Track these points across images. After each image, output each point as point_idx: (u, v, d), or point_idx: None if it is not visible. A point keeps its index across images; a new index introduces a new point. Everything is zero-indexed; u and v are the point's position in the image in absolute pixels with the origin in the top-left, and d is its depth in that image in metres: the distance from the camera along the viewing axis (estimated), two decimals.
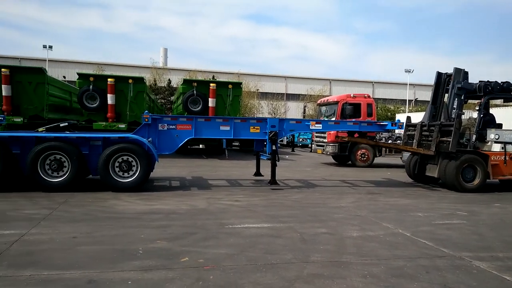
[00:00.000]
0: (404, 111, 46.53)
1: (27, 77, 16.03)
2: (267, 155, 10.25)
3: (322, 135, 18.28)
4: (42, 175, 8.35)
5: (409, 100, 52.42)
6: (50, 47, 44.74)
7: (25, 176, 8.54)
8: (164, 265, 4.25)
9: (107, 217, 6.41)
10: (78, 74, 17.78)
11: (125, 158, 8.75)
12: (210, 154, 21.21)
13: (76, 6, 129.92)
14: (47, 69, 18.61)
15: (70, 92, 20.54)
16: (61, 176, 8.47)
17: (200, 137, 9.83)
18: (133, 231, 5.58)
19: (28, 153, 8.29)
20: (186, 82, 19.64)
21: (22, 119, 15.79)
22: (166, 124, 9.53)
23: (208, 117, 11.35)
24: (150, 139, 9.21)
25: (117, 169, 8.73)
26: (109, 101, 16.98)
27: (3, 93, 15.47)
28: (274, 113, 49.49)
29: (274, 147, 9.98)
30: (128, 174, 8.79)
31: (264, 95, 52.26)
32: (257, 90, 48.92)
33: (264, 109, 50.06)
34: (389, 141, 17.34)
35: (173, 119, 9.79)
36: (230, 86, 19.25)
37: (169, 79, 44.17)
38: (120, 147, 8.70)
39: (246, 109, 42.55)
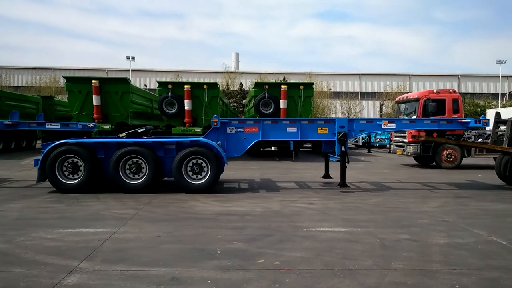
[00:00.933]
0: (496, 106, 42.00)
1: (113, 87, 17.55)
2: (336, 156, 9.93)
3: (402, 134, 17.24)
4: (123, 178, 8.98)
5: (502, 93, 47.57)
6: (133, 58, 48.40)
7: (108, 179, 9.27)
8: (241, 266, 4.31)
9: (187, 217, 6.72)
10: (158, 82, 18.88)
11: (195, 161, 9.08)
12: (282, 156, 21.26)
13: (154, 17, 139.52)
14: (130, 78, 20.12)
15: (151, 100, 22.03)
16: (140, 178, 9.03)
17: (267, 139, 9.86)
18: (211, 231, 5.77)
19: (110, 157, 9.00)
20: (258, 85, 19.91)
21: (110, 126, 17.31)
22: (234, 128, 9.70)
23: (275, 119, 11.33)
24: (219, 142, 9.45)
25: (189, 172, 9.09)
26: (186, 107, 17.86)
27: (94, 103, 17.12)
28: (348, 113, 48.14)
29: (343, 148, 9.63)
30: (201, 175, 9.10)
31: (337, 95, 51.11)
32: (330, 89, 47.99)
33: (337, 109, 48.93)
34: (479, 140, 15.81)
35: (240, 122, 9.96)
36: (301, 87, 19.13)
37: (241, 83, 45.30)
38: (191, 151, 9.05)
39: (318, 109, 41.97)
